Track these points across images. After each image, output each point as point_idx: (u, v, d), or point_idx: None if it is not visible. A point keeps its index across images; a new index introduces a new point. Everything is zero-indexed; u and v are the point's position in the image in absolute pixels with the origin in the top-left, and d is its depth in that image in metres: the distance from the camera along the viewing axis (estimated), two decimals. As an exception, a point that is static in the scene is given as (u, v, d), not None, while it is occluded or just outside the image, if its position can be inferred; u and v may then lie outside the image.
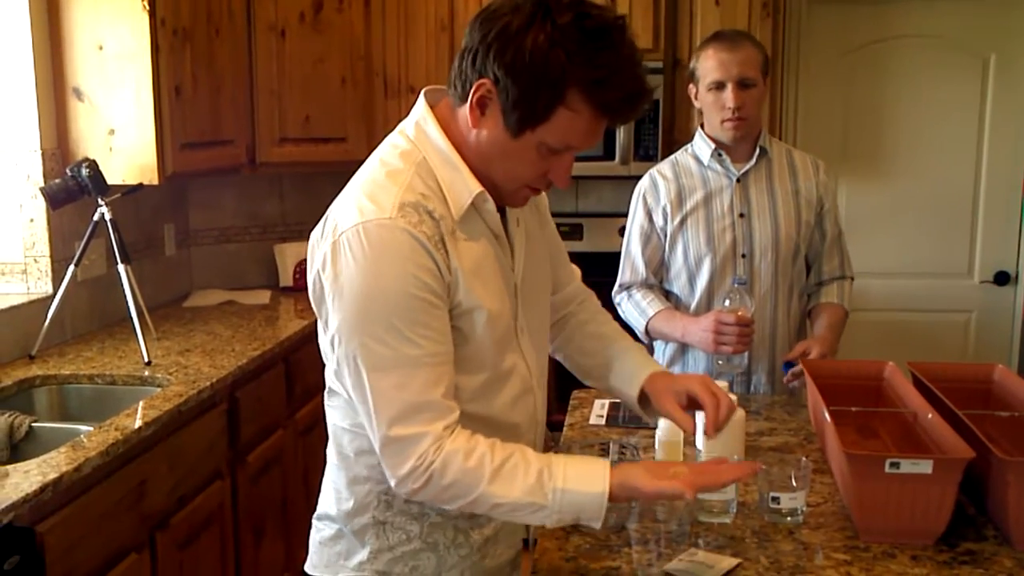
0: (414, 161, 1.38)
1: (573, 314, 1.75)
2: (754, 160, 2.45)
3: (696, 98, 2.46)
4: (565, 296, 1.73)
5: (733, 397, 1.88)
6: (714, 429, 1.51)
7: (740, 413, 1.84)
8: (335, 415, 1.51)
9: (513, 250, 1.48)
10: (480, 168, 1.39)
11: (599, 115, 1.32)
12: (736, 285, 2.29)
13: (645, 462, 1.50)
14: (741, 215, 2.44)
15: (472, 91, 1.32)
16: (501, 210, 1.45)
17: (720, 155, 2.45)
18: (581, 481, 1.37)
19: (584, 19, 1.27)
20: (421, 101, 1.44)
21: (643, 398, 1.63)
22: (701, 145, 2.49)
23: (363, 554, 1.51)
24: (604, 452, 1.67)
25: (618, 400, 2.29)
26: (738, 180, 2.45)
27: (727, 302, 2.26)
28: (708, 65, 2.37)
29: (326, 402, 1.54)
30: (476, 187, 1.38)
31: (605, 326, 1.75)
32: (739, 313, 2.23)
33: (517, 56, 1.27)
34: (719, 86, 2.36)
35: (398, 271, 1.30)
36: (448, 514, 1.48)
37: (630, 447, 1.69)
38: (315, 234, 1.41)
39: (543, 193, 1.52)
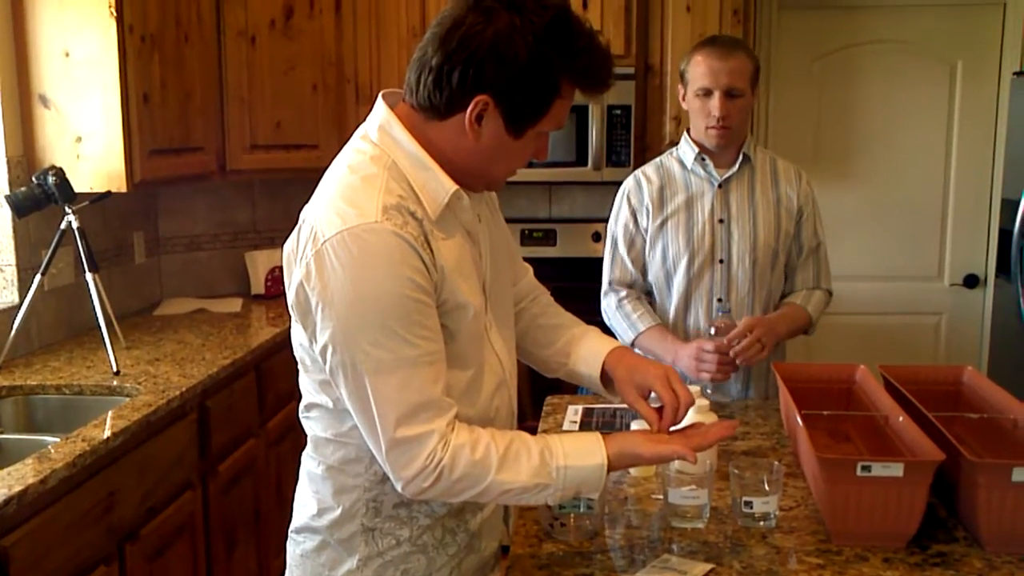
0: (385, 165, 1.39)
1: (526, 309, 1.76)
2: (737, 167, 2.45)
3: (683, 100, 2.46)
4: (518, 292, 1.74)
5: (706, 402, 1.89)
6: (668, 427, 1.51)
7: (712, 417, 1.85)
8: (315, 426, 1.50)
9: (480, 247, 1.50)
10: (475, 169, 1.42)
11: (582, 94, 1.40)
12: (720, 314, 2.27)
13: (637, 431, 1.55)
14: (721, 220, 2.45)
15: (470, 109, 1.35)
16: None
17: (703, 160, 2.45)
18: (580, 456, 1.42)
19: (555, 13, 1.33)
20: (381, 105, 1.44)
21: (606, 377, 1.65)
22: (686, 149, 2.50)
23: (351, 563, 1.50)
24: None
25: (592, 405, 2.31)
26: (720, 185, 2.45)
27: (712, 331, 2.25)
28: (698, 71, 2.36)
29: (303, 414, 1.53)
30: (452, 186, 1.39)
31: (558, 317, 1.77)
32: (722, 341, 2.24)
33: (514, 67, 1.32)
34: (706, 93, 2.35)
35: (390, 274, 1.31)
36: (436, 515, 1.50)
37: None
38: (290, 244, 1.41)
39: (494, 192, 1.60)
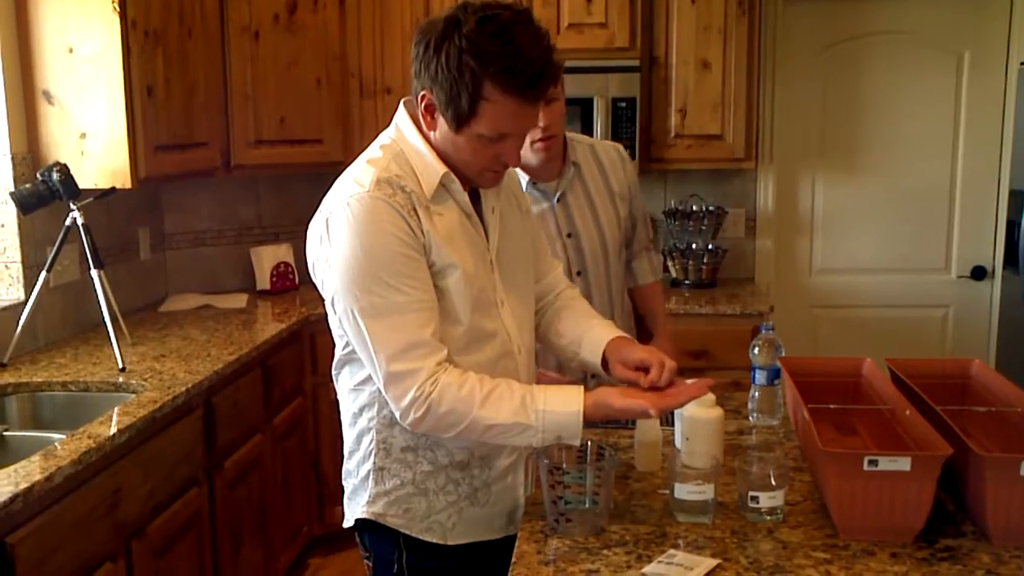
0: (392, 151, 1.65)
1: (551, 303, 1.94)
2: (566, 178, 2.38)
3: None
4: (544, 286, 1.93)
5: (712, 396, 1.87)
6: (649, 386, 1.65)
7: (718, 412, 1.84)
8: (344, 379, 1.74)
9: (487, 231, 1.71)
10: (444, 159, 1.64)
11: (515, 99, 1.53)
12: (764, 331, 2.15)
13: (616, 387, 1.68)
14: (569, 235, 2.40)
15: (420, 101, 1.60)
16: (475, 198, 1.70)
17: (535, 183, 2.36)
18: (560, 403, 1.58)
19: (485, 22, 1.50)
20: (401, 107, 1.70)
21: (605, 364, 1.80)
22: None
23: (365, 497, 1.74)
24: (582, 454, 1.66)
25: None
26: (558, 200, 2.39)
27: (755, 350, 2.14)
28: None
29: (334, 371, 1.76)
30: (442, 168, 1.63)
31: (578, 310, 1.93)
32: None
33: (437, 67, 1.53)
34: None
35: (379, 232, 1.55)
36: (439, 463, 1.70)
37: (608, 448, 1.68)
38: (312, 222, 1.65)
39: (526, 195, 1.88)
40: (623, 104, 3.76)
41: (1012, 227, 3.79)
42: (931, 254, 4.25)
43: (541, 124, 2.20)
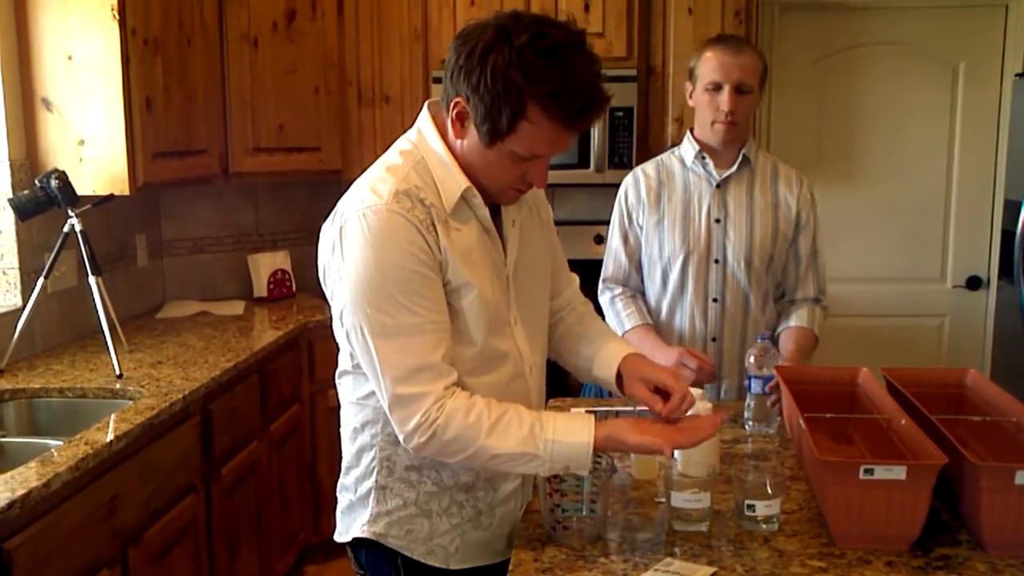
0: (413, 159, 1.57)
1: (563, 319, 1.90)
2: (736, 167, 2.46)
3: (691, 97, 2.47)
4: (560, 302, 1.89)
5: (708, 405, 1.89)
6: (672, 412, 1.62)
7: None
8: (346, 391, 1.68)
9: (505, 246, 1.64)
10: (467, 171, 1.56)
11: (558, 125, 1.47)
12: (760, 341, 2.20)
13: (629, 419, 1.63)
14: (717, 220, 2.45)
15: (451, 107, 1.51)
16: (496, 210, 1.63)
17: (703, 158, 2.46)
18: (569, 432, 1.52)
19: (539, 39, 1.42)
20: (424, 110, 1.63)
21: (619, 379, 1.77)
22: (687, 147, 2.51)
23: (365, 516, 1.68)
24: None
25: (594, 409, 2.31)
26: (718, 185, 2.46)
27: (751, 358, 2.18)
28: (708, 66, 2.38)
29: (337, 380, 1.71)
30: (464, 182, 1.55)
31: (591, 328, 1.89)
32: (704, 357, 2.30)
33: (480, 78, 1.44)
34: (716, 88, 2.37)
35: (395, 248, 1.48)
36: (444, 484, 1.65)
37: (605, 456, 1.68)
38: (325, 227, 1.59)
39: (548, 205, 1.82)
40: (620, 113, 3.77)
41: (1007, 237, 3.80)
42: (927, 264, 4.26)
43: (726, 108, 2.35)
